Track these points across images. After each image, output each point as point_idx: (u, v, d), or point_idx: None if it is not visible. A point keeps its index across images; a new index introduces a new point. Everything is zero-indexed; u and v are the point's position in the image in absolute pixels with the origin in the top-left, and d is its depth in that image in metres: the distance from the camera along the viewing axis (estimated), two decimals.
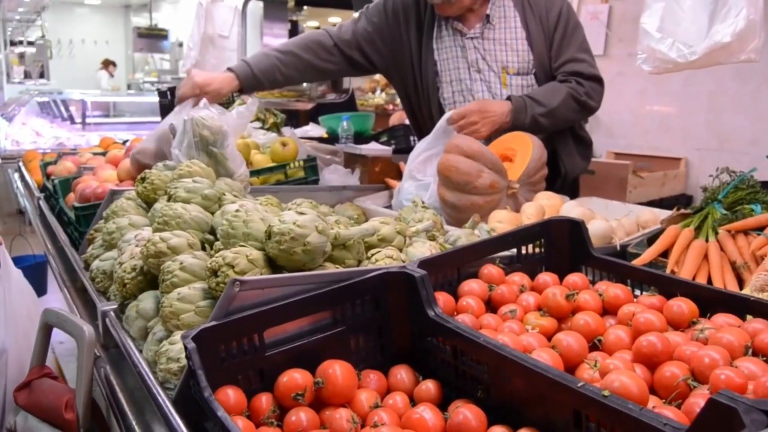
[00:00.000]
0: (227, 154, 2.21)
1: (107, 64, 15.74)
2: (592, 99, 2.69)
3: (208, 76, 2.77)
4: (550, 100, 2.61)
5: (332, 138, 4.40)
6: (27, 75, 14.28)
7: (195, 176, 1.92)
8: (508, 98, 2.62)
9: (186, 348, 1.15)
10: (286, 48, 2.90)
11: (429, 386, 1.29)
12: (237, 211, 1.54)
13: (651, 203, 2.72)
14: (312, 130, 4.38)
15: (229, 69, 2.84)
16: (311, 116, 5.37)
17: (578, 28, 2.72)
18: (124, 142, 4.08)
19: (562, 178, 2.81)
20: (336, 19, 15.91)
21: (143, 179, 2.05)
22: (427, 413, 1.17)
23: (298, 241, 1.39)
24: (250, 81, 2.81)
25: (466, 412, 1.15)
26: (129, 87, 15.88)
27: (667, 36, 2.18)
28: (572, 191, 2.87)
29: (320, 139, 4.27)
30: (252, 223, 1.50)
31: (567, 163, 2.82)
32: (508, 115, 2.57)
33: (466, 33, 2.75)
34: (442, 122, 2.56)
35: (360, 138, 4.29)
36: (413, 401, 1.28)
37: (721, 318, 1.29)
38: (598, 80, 2.72)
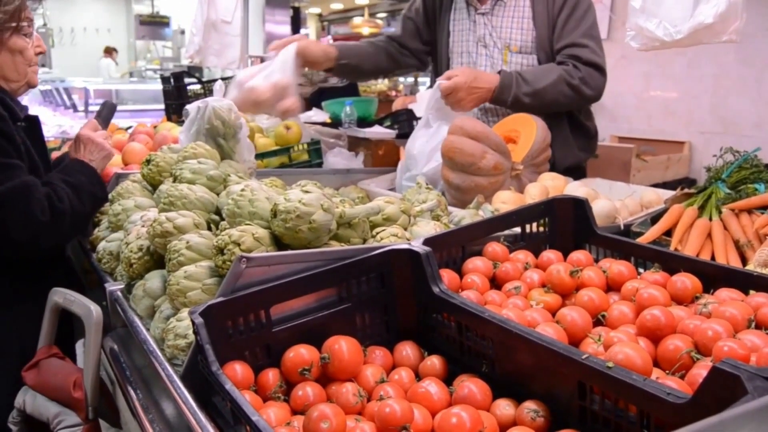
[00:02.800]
0: (236, 148, 2.21)
1: (110, 51, 15.71)
2: (587, 85, 2.61)
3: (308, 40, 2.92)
4: (538, 80, 2.58)
5: (335, 123, 4.39)
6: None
7: (200, 158, 1.92)
8: (500, 72, 2.62)
9: (194, 323, 1.16)
10: (364, 41, 3.20)
11: (434, 362, 1.30)
12: (242, 190, 1.55)
13: (654, 187, 2.72)
14: (315, 115, 4.38)
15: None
16: (313, 102, 5.36)
17: (588, 13, 2.66)
18: (128, 129, 4.09)
19: (550, 167, 2.69)
20: (338, 5, 15.86)
21: (148, 161, 2.06)
22: (432, 387, 1.18)
23: (303, 219, 1.40)
24: (346, 51, 2.96)
25: (471, 385, 1.16)
26: (131, 75, 15.86)
27: (653, 15, 2.20)
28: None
29: (323, 124, 4.26)
30: (257, 202, 1.51)
31: (557, 152, 2.72)
32: (493, 91, 2.58)
33: (478, 9, 2.81)
34: (435, 93, 2.61)
35: (363, 123, 4.28)
36: (419, 377, 1.29)
37: (725, 293, 1.29)
38: (597, 68, 2.64)
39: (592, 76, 2.63)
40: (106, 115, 2.45)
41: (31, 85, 2.14)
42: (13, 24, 1.95)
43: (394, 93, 11.73)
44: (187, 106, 2.27)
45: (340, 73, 3.03)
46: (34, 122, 2.14)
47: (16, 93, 2.09)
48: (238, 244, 1.37)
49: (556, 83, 2.58)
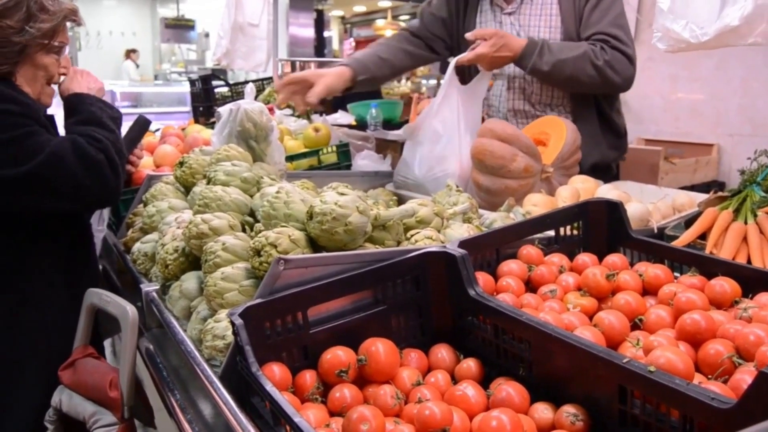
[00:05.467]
0: (267, 150, 2.22)
1: (129, 53, 15.90)
2: (612, 69, 2.55)
3: (320, 71, 2.84)
4: (562, 52, 2.55)
5: (361, 125, 4.41)
6: None
7: (233, 160, 1.94)
8: (528, 38, 2.60)
9: (233, 324, 1.17)
10: (378, 43, 3.12)
11: (470, 364, 1.30)
12: (277, 192, 1.56)
13: (682, 189, 2.69)
14: (341, 117, 4.39)
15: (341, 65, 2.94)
16: (336, 105, 5.38)
17: (614, 3, 2.63)
18: (155, 131, 4.13)
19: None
20: (361, 8, 15.88)
21: (181, 164, 2.08)
22: (470, 390, 1.18)
23: (339, 221, 1.41)
24: (360, 68, 2.88)
25: (509, 388, 1.16)
26: (156, 77, 16.00)
27: (680, 17, 2.18)
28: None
29: (350, 126, 4.28)
30: (293, 204, 1.52)
31: (583, 148, 2.63)
32: (514, 58, 2.57)
33: (504, 9, 2.80)
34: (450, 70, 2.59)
35: (388, 125, 4.29)
36: (454, 380, 1.29)
37: (765, 297, 1.28)
38: (625, 55, 2.58)
39: (619, 61, 2.56)
40: (137, 133, 2.44)
41: (42, 104, 2.01)
42: (45, 41, 1.89)
43: (417, 95, 11.71)
44: (219, 109, 2.29)
45: (360, 88, 2.98)
46: (51, 121, 2.06)
47: None
48: (275, 246, 1.38)
49: (579, 58, 2.53)
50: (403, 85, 12.74)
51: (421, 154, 2.52)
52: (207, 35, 14.61)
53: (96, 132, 1.93)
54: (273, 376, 1.20)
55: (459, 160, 2.43)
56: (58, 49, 1.97)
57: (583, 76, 2.56)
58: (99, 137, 1.90)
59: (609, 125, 2.81)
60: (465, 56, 2.58)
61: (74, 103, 2.08)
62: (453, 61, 2.59)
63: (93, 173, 1.83)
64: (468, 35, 2.60)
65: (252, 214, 1.75)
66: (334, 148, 2.88)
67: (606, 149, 2.79)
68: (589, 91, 2.68)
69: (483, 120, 2.58)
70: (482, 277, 1.45)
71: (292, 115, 3.44)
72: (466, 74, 2.84)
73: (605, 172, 2.79)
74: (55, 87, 2.08)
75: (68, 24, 2.05)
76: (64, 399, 1.78)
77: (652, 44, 2.57)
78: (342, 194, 1.46)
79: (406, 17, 15.82)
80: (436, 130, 2.50)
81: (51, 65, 1.97)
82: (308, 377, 1.25)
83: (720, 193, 1.98)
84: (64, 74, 2.09)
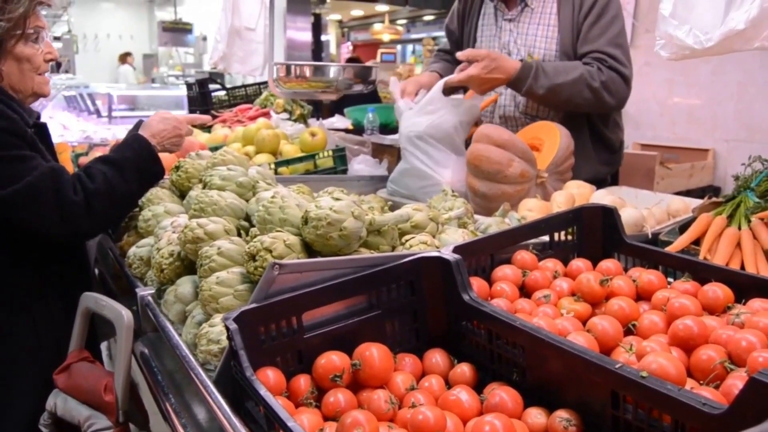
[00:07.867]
0: None
1: (124, 57, 15.93)
2: (607, 90, 2.55)
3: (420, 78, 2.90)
4: (558, 75, 2.53)
5: (358, 129, 4.42)
6: (53, 69, 14.43)
7: (229, 164, 1.94)
8: (522, 60, 2.59)
9: (228, 329, 1.17)
10: (431, 67, 3.14)
11: (464, 369, 1.31)
12: (273, 197, 1.56)
13: (678, 194, 2.68)
14: (337, 121, 4.41)
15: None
16: (334, 108, 5.40)
17: (615, 21, 2.62)
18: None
19: None
20: (358, 12, 15.88)
21: (177, 168, 2.08)
22: (463, 395, 1.18)
23: (334, 226, 1.41)
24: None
25: (502, 393, 1.17)
26: (153, 81, 16.00)
27: (683, 22, 2.17)
28: None
29: (346, 131, 4.29)
30: (288, 209, 1.52)
31: (574, 163, 2.60)
32: (507, 80, 2.55)
33: (505, 14, 2.80)
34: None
35: (385, 129, 4.30)
36: (448, 384, 1.30)
37: (757, 303, 1.29)
38: (622, 76, 2.59)
39: (614, 82, 2.57)
40: None
41: (39, 95, 2.04)
42: (18, 32, 1.86)
43: None
44: None
45: None
46: (43, 129, 2.07)
47: (24, 102, 2.00)
48: (270, 251, 1.39)
49: (575, 82, 2.53)
50: None
51: (414, 169, 2.53)
52: (204, 39, 14.61)
53: (104, 172, 1.89)
54: (267, 380, 1.20)
55: (449, 176, 2.44)
56: (35, 36, 1.94)
57: (579, 99, 2.55)
58: (96, 176, 1.87)
59: (601, 140, 2.80)
60: (455, 77, 2.56)
61: (128, 141, 2.06)
62: (441, 82, 2.57)
63: (65, 215, 1.80)
64: (459, 55, 2.58)
65: (247, 218, 1.76)
66: (331, 153, 2.89)
67: (597, 165, 2.78)
68: (580, 110, 2.68)
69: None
70: (476, 282, 1.46)
71: (289, 119, 3.44)
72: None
73: (597, 185, 2.76)
74: (49, 76, 2.06)
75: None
76: (59, 403, 1.78)
77: (649, 50, 2.56)
78: (337, 199, 1.46)
79: (403, 21, 15.84)
80: (428, 144, 2.51)
81: (33, 56, 1.94)
82: (302, 382, 1.25)
83: (714, 199, 1.99)
84: (51, 60, 2.05)
